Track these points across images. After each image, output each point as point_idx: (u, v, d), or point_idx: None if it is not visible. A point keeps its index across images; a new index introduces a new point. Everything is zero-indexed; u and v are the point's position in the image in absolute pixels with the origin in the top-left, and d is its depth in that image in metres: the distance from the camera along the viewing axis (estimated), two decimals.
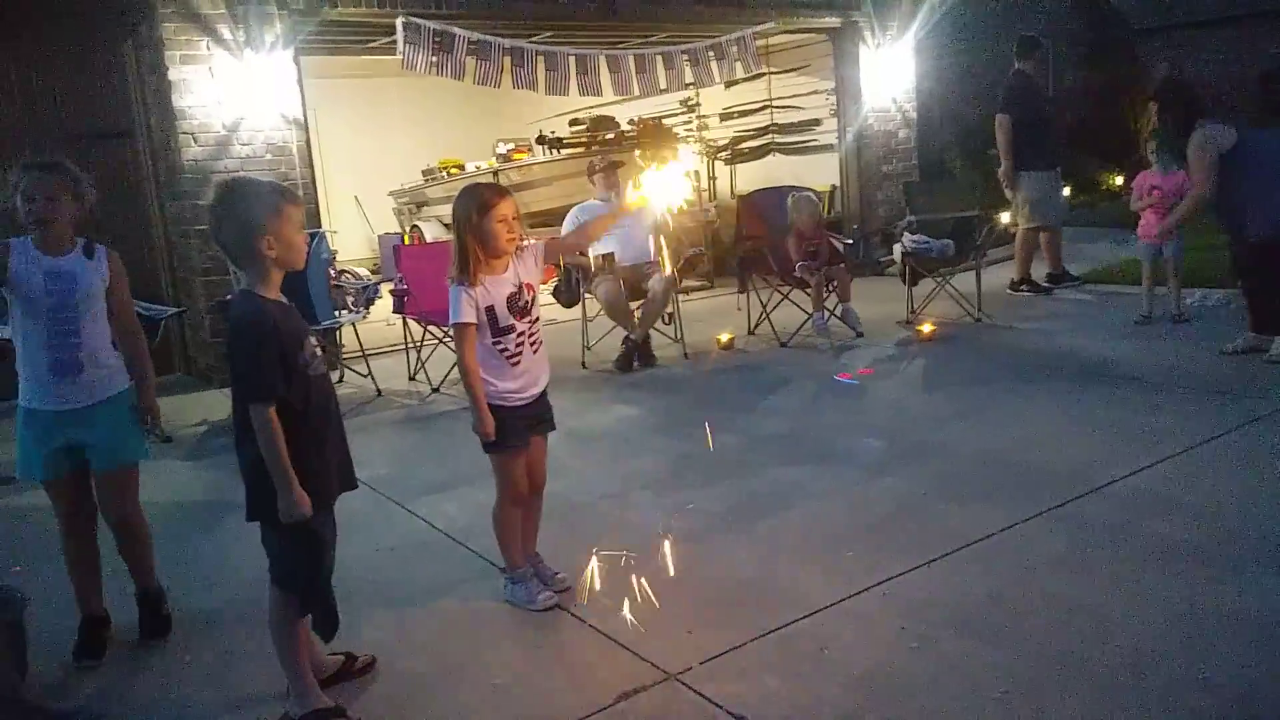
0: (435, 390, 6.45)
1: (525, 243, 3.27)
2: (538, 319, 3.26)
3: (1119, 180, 13.47)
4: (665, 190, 3.34)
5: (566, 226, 6.99)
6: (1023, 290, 8.16)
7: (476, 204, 3.07)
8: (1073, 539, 3.53)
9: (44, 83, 6.93)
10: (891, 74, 10.01)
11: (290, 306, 2.68)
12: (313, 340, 2.69)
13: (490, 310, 3.12)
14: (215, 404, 6.39)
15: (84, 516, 3.28)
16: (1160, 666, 2.68)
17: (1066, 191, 9.05)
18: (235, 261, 2.67)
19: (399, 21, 7.24)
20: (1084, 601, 3.07)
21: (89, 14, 6.89)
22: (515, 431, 3.19)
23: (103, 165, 7.12)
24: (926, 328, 6.92)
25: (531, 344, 3.21)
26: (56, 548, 3.31)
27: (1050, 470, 4.21)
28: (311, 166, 7.35)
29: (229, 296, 6.44)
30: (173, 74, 6.66)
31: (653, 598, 3.33)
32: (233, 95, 6.85)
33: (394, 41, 7.44)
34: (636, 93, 8.85)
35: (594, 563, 3.61)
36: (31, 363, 3.12)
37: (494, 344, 3.15)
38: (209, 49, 6.76)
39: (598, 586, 3.43)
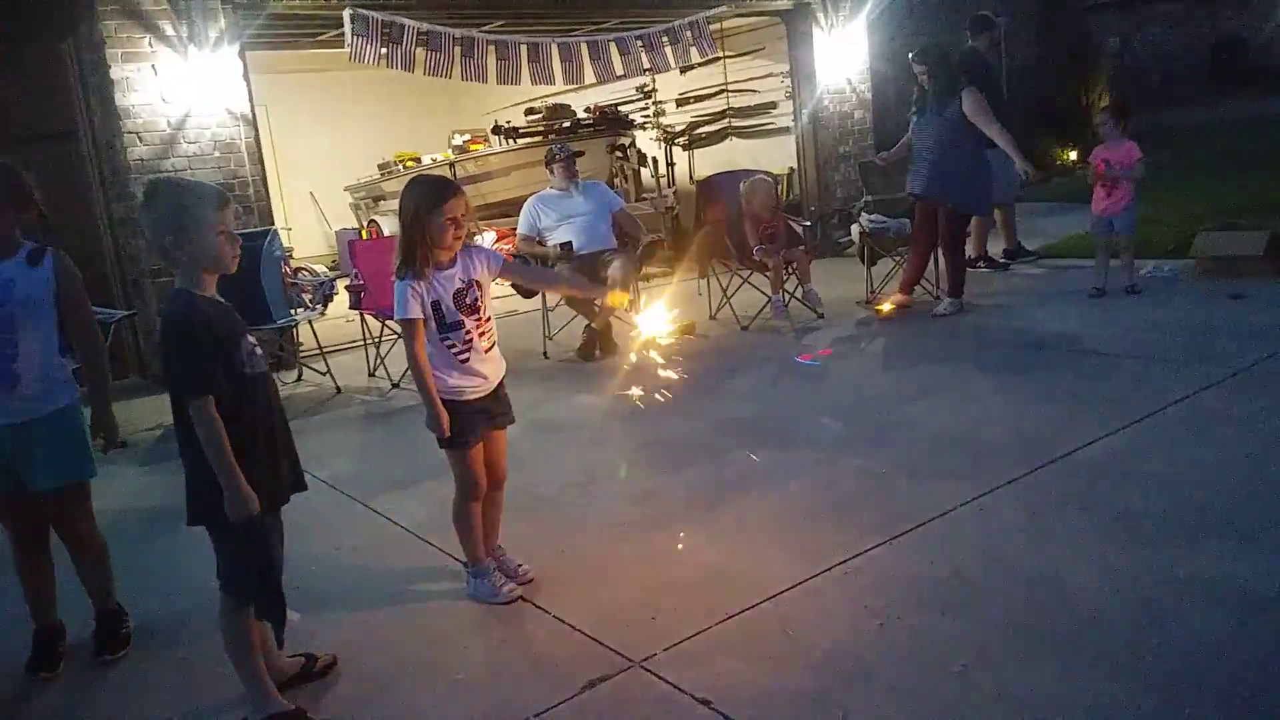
0: (395, 386, 6.38)
1: (481, 243, 3.23)
2: (489, 317, 3.21)
3: (1072, 156, 13.64)
4: (654, 320, 3.37)
5: (523, 217, 6.94)
6: (980, 267, 8.22)
7: (426, 199, 3.01)
8: (1032, 511, 3.56)
9: None
10: (845, 55, 10.03)
11: (225, 305, 2.64)
12: (251, 339, 2.65)
13: (437, 305, 3.07)
14: (169, 408, 6.27)
15: (32, 531, 3.18)
16: (1120, 634, 2.70)
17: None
18: (161, 260, 2.63)
19: (346, 13, 7.12)
20: (1044, 572, 3.10)
21: (27, 13, 6.72)
22: (470, 427, 3.15)
23: (46, 167, 6.97)
24: (886, 306, 6.93)
25: (483, 340, 3.16)
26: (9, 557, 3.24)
27: (1010, 444, 4.25)
28: (261, 163, 7.23)
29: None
30: (115, 72, 6.52)
31: (617, 586, 3.32)
32: (178, 93, 6.71)
33: (343, 34, 7.33)
34: (590, 80, 8.79)
35: (557, 554, 3.60)
36: None
37: (442, 340, 3.10)
38: (152, 46, 6.62)
39: (561, 577, 3.41)
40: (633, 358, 6.64)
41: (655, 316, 3.46)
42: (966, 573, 3.15)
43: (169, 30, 6.67)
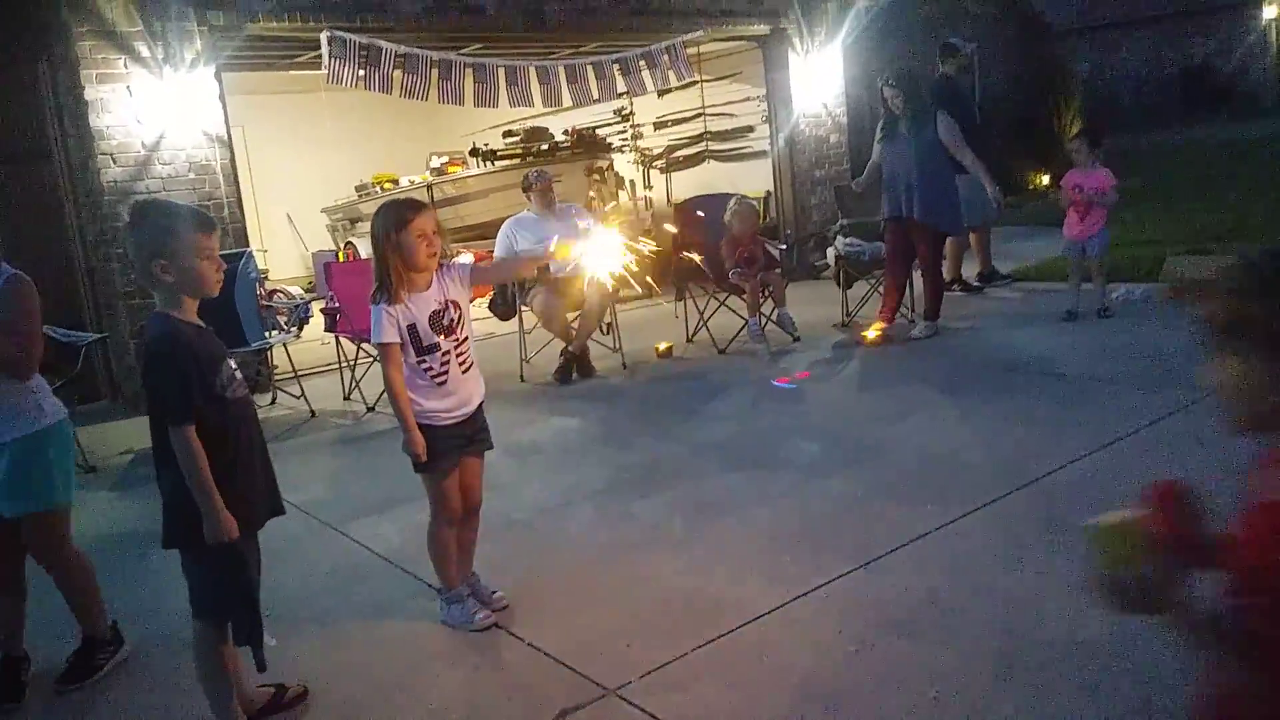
0: (370, 410, 6.35)
1: (453, 260, 3.22)
2: (467, 338, 3.20)
3: (1045, 180, 13.80)
4: (603, 256, 3.28)
5: (500, 240, 6.94)
6: (954, 290, 8.29)
7: (394, 220, 3.01)
8: (1007, 534, 3.58)
9: None
10: (821, 79, 10.14)
11: (206, 329, 2.63)
12: (231, 363, 2.63)
13: (413, 329, 3.06)
14: (141, 432, 6.18)
15: (3, 559, 3.12)
16: (1093, 657, 2.71)
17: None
18: (143, 283, 2.61)
19: (324, 35, 7.13)
20: (1017, 595, 3.11)
21: (2, 32, 6.67)
22: (445, 452, 3.14)
23: (19, 188, 6.94)
24: (871, 334, 6.85)
25: (460, 362, 3.15)
26: None
27: (984, 467, 4.27)
28: (237, 184, 7.20)
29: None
30: (89, 93, 6.49)
31: (593, 612, 3.30)
32: (153, 114, 6.68)
33: (319, 56, 7.33)
34: (568, 103, 8.83)
35: (533, 579, 3.58)
36: None
37: (418, 363, 3.09)
38: (126, 67, 6.59)
39: (537, 603, 3.39)
40: (612, 381, 6.65)
41: (605, 249, 3.27)
42: (942, 597, 3.15)
43: (144, 51, 6.64)
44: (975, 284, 8.40)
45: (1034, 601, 3.06)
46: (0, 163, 6.78)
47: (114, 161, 6.60)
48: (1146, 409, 4.74)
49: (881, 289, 7.45)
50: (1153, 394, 4.99)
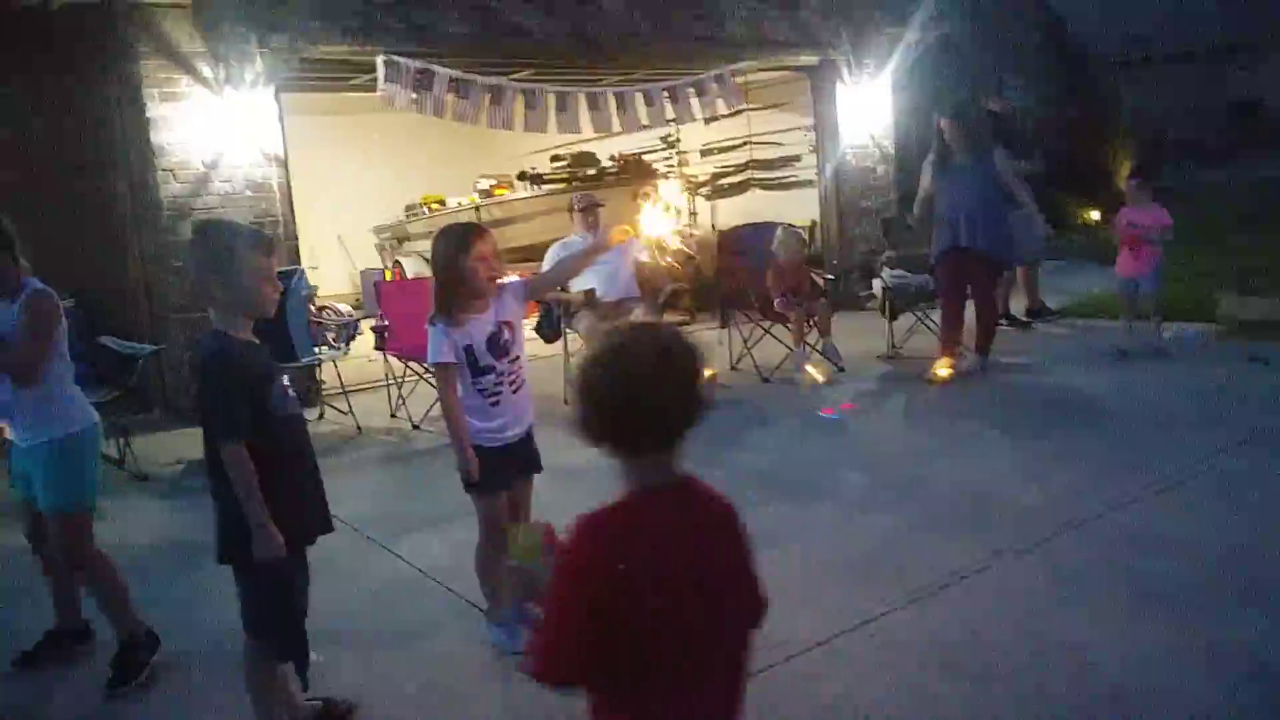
0: (416, 427, 6.40)
1: (505, 280, 3.26)
2: (519, 358, 3.23)
3: (1094, 215, 13.66)
4: (655, 225, 3.33)
5: (548, 263, 6.98)
6: (1002, 325, 8.21)
7: (455, 244, 3.06)
8: (1053, 575, 3.53)
9: (26, 119, 6.91)
10: (869, 111, 10.13)
11: (260, 346, 2.67)
12: (284, 381, 2.67)
13: (469, 350, 3.10)
14: (193, 443, 6.28)
15: (39, 539, 3.37)
16: (1140, 704, 2.66)
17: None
18: (203, 300, 2.67)
19: (380, 59, 7.26)
20: (1063, 639, 3.06)
21: (72, 51, 6.88)
22: (499, 473, 3.16)
23: (83, 201, 7.12)
24: (942, 372, 6.55)
25: (512, 383, 3.19)
26: None
27: (1031, 505, 4.21)
28: (291, 203, 7.33)
29: (203, 335, 6.40)
30: (152, 111, 6.65)
31: None
32: (212, 132, 6.83)
33: (374, 79, 7.46)
34: (616, 130, 8.90)
35: None
36: None
37: (473, 384, 3.13)
38: (188, 86, 6.75)
39: None
40: None
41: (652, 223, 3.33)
42: (986, 637, 3.11)
43: (206, 72, 6.80)
44: (1024, 319, 8.32)
45: (1080, 646, 3.01)
46: (65, 176, 6.96)
47: (174, 178, 6.76)
48: (1199, 450, 4.67)
49: (928, 322, 7.42)
50: (1205, 435, 4.91)
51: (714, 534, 1.61)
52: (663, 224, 3.36)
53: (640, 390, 1.54)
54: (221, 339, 2.59)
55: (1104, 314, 7.99)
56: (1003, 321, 8.18)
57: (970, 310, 6.96)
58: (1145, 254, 6.64)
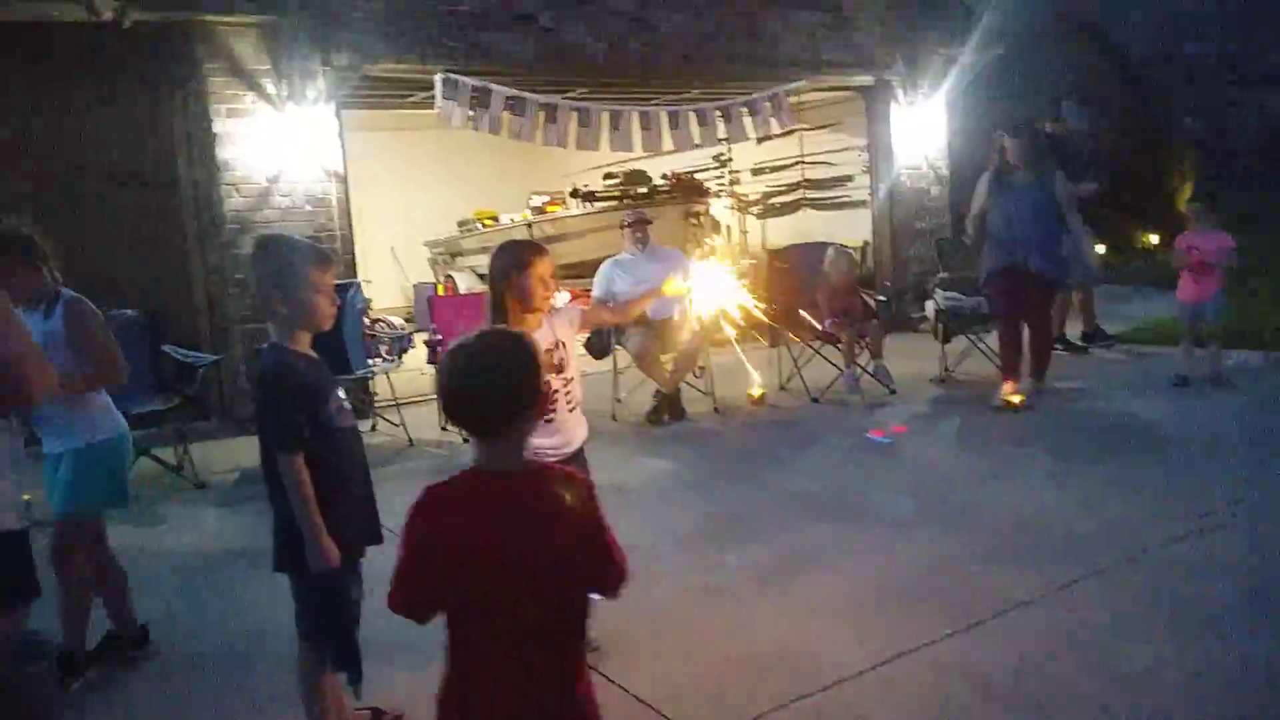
0: (466, 440, 6.44)
1: (561, 304, 3.29)
2: (572, 378, 3.26)
3: (1153, 239, 13.41)
4: (714, 291, 3.31)
5: (598, 280, 7.03)
6: (1056, 349, 8.08)
7: (516, 261, 3.10)
8: (1113, 605, 3.46)
9: (96, 134, 7.12)
10: (923, 132, 10.07)
11: (318, 360, 2.71)
12: (340, 394, 2.71)
13: None
14: (249, 451, 6.39)
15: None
16: None
17: (1100, 250, 8.99)
18: (264, 313, 2.72)
19: (438, 77, 7.39)
20: (1124, 671, 3.00)
21: (140, 67, 7.08)
22: None
23: (148, 213, 7.31)
24: (1016, 399, 6.32)
25: (566, 401, 3.21)
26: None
27: (1088, 534, 4.14)
28: (349, 218, 7.47)
29: (262, 347, 6.52)
30: (217, 126, 6.83)
31: (684, 658, 3.29)
32: (274, 148, 7.00)
33: (432, 96, 7.59)
34: (668, 148, 8.94)
35: (624, 621, 3.57)
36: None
37: None
38: (253, 103, 6.93)
39: (627, 645, 3.39)
40: (704, 424, 6.65)
41: (711, 287, 3.31)
42: (1043, 667, 3.06)
43: (270, 88, 6.97)
44: (1079, 344, 8.19)
45: (1141, 679, 2.95)
46: (132, 189, 7.16)
47: (237, 192, 6.92)
48: (1261, 480, 4.55)
49: (981, 345, 7.32)
50: (1268, 465, 4.79)
51: (543, 520, 1.78)
52: (725, 292, 3.31)
53: (460, 384, 1.82)
54: (281, 352, 2.63)
55: (1163, 340, 7.85)
56: (1058, 346, 8.06)
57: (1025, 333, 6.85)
58: (1207, 279, 6.50)
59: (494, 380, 1.80)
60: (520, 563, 1.75)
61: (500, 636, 1.78)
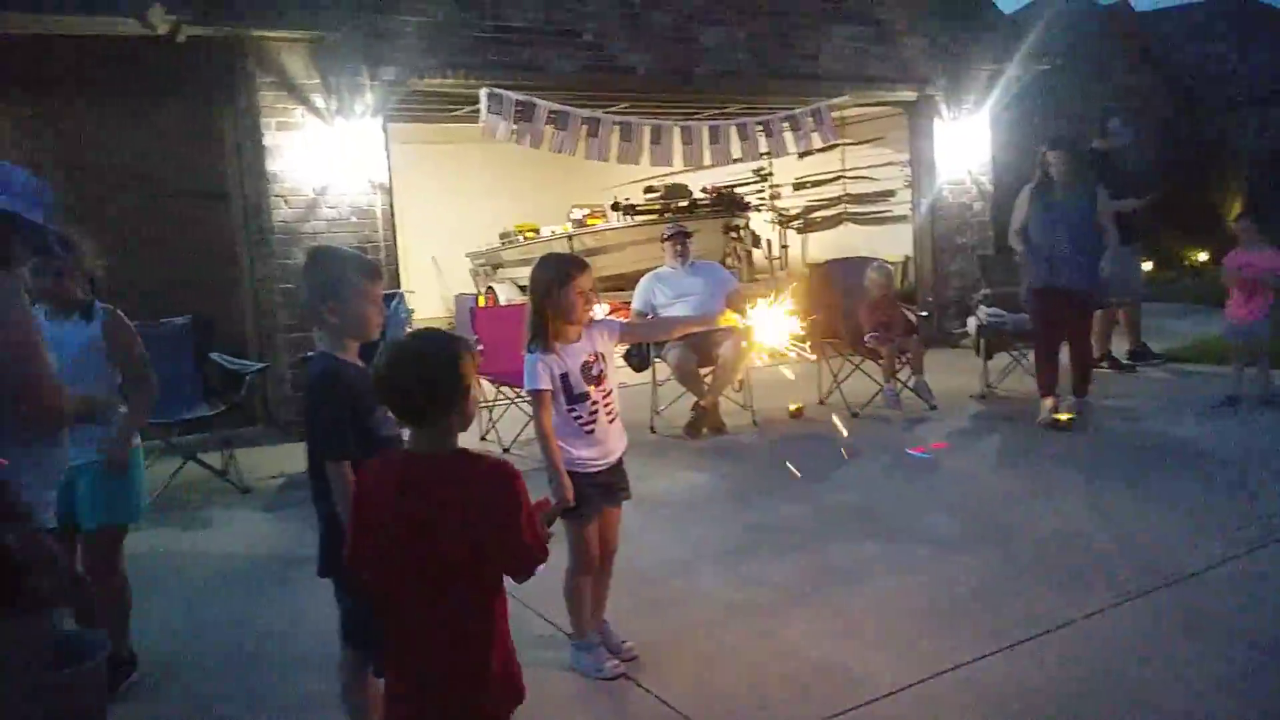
0: (506, 450, 6.51)
1: (602, 318, 3.32)
2: (612, 390, 3.29)
3: (1202, 256, 13.20)
4: (771, 330, 3.26)
5: (638, 293, 7.06)
6: (1102, 367, 7.98)
7: (556, 275, 3.13)
8: (1158, 629, 3.41)
9: (148, 144, 7.29)
10: (967, 147, 10.01)
11: (365, 369, 2.75)
12: None
13: (565, 378, 3.17)
14: (293, 457, 6.52)
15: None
16: None
17: (1147, 267, 8.88)
18: (312, 322, 2.77)
19: (483, 92, 7.49)
20: (1168, 697, 2.95)
21: (193, 81, 7.25)
22: (589, 499, 3.21)
23: (199, 225, 7.48)
24: (1065, 415, 6.28)
25: (606, 412, 3.24)
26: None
27: (1133, 556, 4.08)
28: (394, 229, 7.58)
29: (309, 355, 6.62)
30: (268, 139, 6.97)
31: (721, 671, 3.29)
32: (323, 160, 7.13)
33: (476, 110, 7.69)
34: (708, 163, 8.97)
35: (661, 632, 3.59)
36: None
37: (569, 411, 3.19)
38: (303, 117, 7.06)
39: (665, 657, 3.40)
40: (742, 438, 6.65)
41: (772, 327, 3.23)
42: (1086, 690, 3.02)
43: (319, 102, 7.11)
44: (1126, 362, 8.08)
45: (1186, 705, 2.90)
46: (183, 200, 7.33)
47: (285, 204, 7.06)
48: None
49: (1024, 362, 7.25)
50: None
51: (458, 501, 1.97)
52: (781, 333, 3.26)
53: (386, 373, 2.02)
54: (330, 360, 2.68)
55: (1211, 359, 7.72)
56: (1103, 364, 7.96)
57: (1065, 351, 6.77)
58: (1258, 298, 6.39)
59: (416, 372, 2.00)
60: (431, 537, 1.96)
61: (415, 599, 2.00)
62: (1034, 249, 6.46)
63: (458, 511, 1.97)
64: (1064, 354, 6.55)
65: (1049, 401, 6.38)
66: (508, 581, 4.06)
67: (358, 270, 2.71)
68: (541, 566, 2.06)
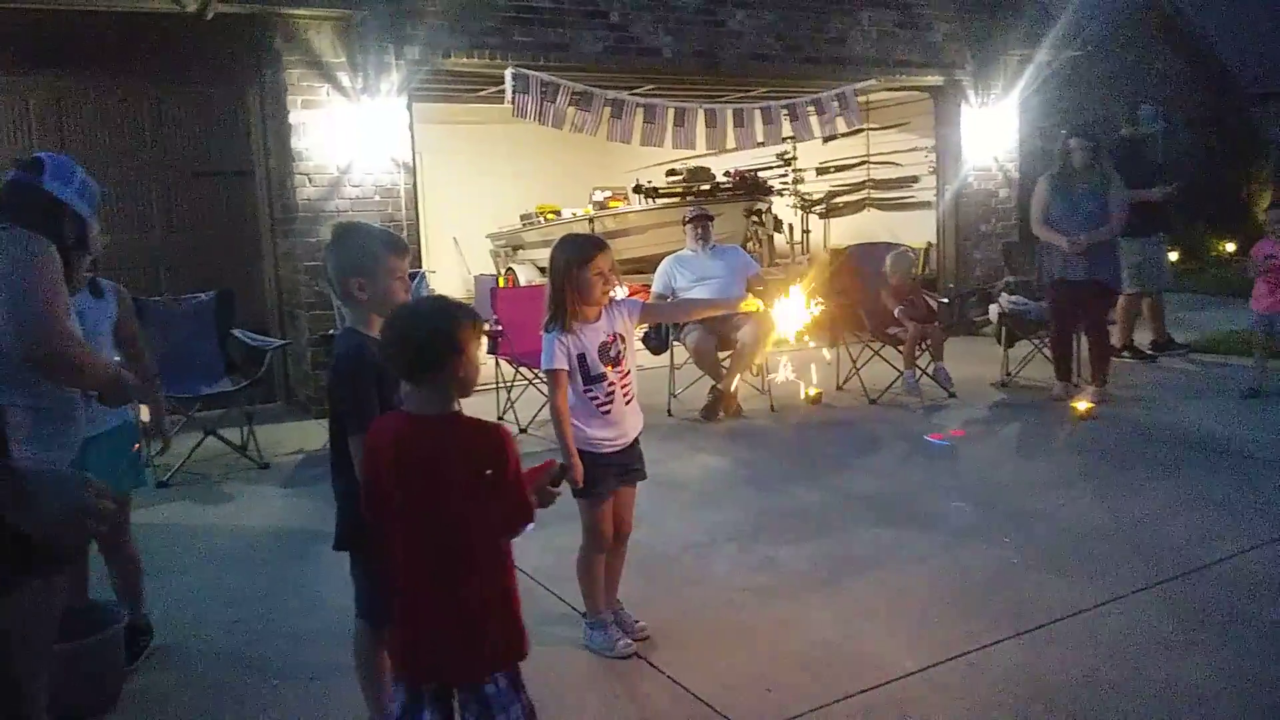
0: (523, 431, 6.54)
1: (621, 297, 3.32)
2: (629, 371, 3.29)
3: (1229, 247, 13.04)
4: (789, 317, 3.29)
5: (659, 276, 7.06)
6: (1124, 357, 7.92)
7: (576, 255, 3.13)
8: (1175, 619, 3.39)
9: (174, 121, 7.34)
10: (994, 133, 9.91)
11: None
12: None
13: (582, 358, 3.18)
14: (312, 434, 6.59)
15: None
16: None
17: (1173, 257, 8.79)
18: (338, 299, 2.79)
19: (509, 72, 7.48)
20: (1182, 686, 2.95)
21: (219, 58, 7.29)
22: (603, 479, 3.22)
23: (223, 202, 7.53)
24: (1083, 405, 6.27)
25: (623, 393, 3.25)
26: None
27: (1152, 546, 4.06)
28: (416, 209, 7.60)
29: (331, 332, 6.66)
30: (293, 117, 6.99)
31: (733, 652, 3.31)
32: (347, 139, 7.14)
33: (501, 90, 7.68)
34: (731, 146, 8.93)
35: (674, 613, 3.61)
36: None
37: (585, 391, 3.20)
38: (328, 95, 7.08)
39: (678, 638, 3.42)
40: (759, 423, 6.65)
41: (790, 314, 3.31)
42: (1101, 677, 3.01)
43: (345, 81, 7.12)
44: (1149, 352, 8.01)
45: (1202, 694, 2.89)
46: (207, 177, 7.38)
47: (310, 182, 7.09)
48: None
49: (1045, 350, 7.21)
50: None
51: (444, 458, 2.10)
52: (798, 319, 3.32)
53: (386, 329, 2.16)
54: (357, 336, 2.69)
55: (1236, 350, 7.64)
56: (1125, 354, 7.90)
57: (1084, 343, 6.75)
58: None
59: (406, 328, 2.12)
60: (422, 490, 2.09)
61: (411, 550, 2.14)
62: (1051, 240, 6.52)
63: (447, 467, 2.07)
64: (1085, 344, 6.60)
65: (1062, 383, 6.66)
66: (523, 558, 4.10)
67: (386, 246, 2.72)
68: (530, 526, 2.16)
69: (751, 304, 3.39)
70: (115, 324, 3.45)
